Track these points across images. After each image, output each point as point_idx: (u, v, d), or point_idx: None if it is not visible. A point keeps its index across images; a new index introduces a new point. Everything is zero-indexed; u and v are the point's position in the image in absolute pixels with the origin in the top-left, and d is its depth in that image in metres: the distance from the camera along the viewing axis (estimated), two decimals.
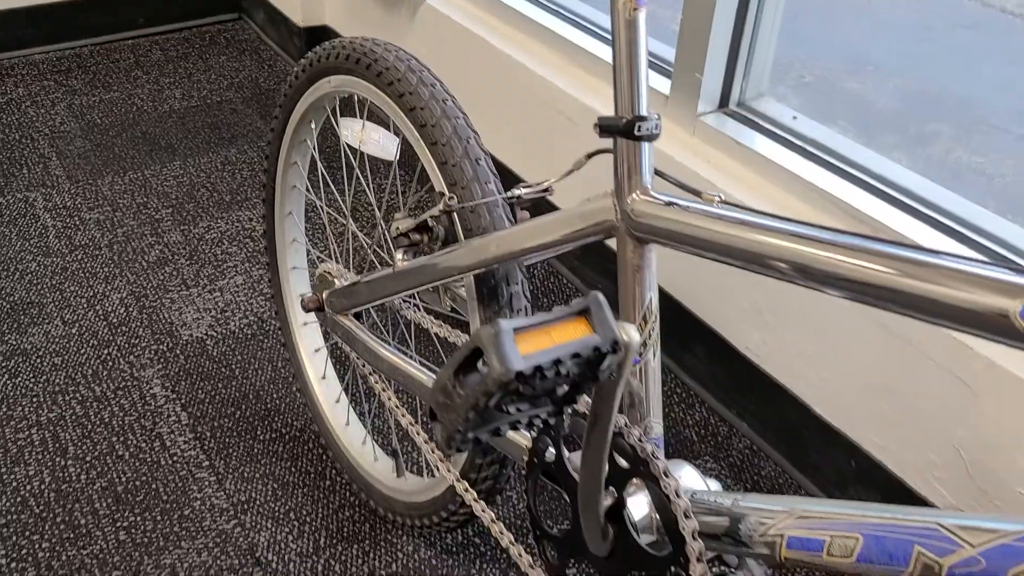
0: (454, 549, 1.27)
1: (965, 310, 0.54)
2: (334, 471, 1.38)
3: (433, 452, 1.05)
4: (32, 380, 1.52)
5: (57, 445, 1.40)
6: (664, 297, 1.53)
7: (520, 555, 0.93)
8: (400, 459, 1.27)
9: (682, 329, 1.52)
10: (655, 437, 0.82)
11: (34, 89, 2.40)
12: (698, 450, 1.44)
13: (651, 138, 0.76)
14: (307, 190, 1.35)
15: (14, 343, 1.59)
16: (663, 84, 1.50)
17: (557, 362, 0.58)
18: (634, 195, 0.77)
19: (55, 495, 1.32)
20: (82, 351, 1.58)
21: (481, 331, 0.57)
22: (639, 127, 0.75)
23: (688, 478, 0.81)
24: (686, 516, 0.72)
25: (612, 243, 0.79)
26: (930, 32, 3.90)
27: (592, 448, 0.73)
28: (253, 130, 2.24)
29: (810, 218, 1.27)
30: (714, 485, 0.83)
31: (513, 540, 0.95)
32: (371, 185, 1.19)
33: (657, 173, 0.78)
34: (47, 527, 1.28)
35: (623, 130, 0.75)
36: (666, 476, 0.73)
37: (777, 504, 0.69)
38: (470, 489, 1.00)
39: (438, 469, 1.05)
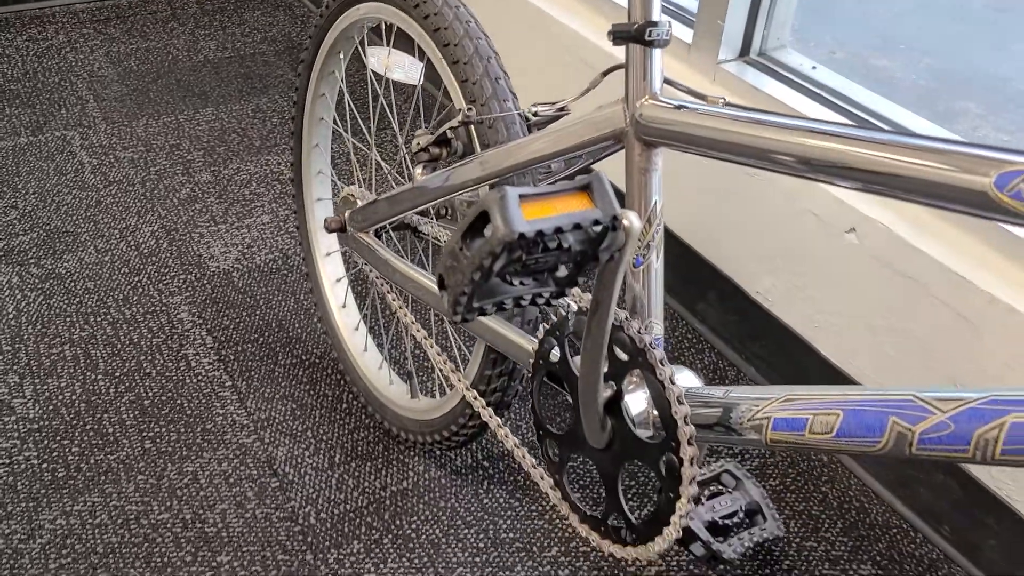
0: (463, 471, 1.32)
1: (948, 186, 0.57)
2: (351, 395, 1.43)
3: (445, 364, 1.09)
4: (66, 301, 1.58)
5: (88, 361, 1.46)
6: (678, 244, 1.56)
7: (524, 456, 0.97)
8: (414, 381, 1.32)
9: (695, 276, 1.55)
10: (656, 337, 0.85)
11: (74, 36, 2.46)
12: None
13: (662, 44, 0.79)
14: (334, 122, 1.39)
15: (50, 267, 1.65)
16: (686, 33, 1.52)
17: (559, 230, 0.62)
18: (643, 99, 0.80)
19: (85, 405, 1.38)
20: (114, 277, 1.64)
21: (488, 195, 0.61)
22: (650, 32, 0.78)
23: (686, 378, 0.85)
24: (679, 402, 0.75)
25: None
26: (965, 12, 3.87)
27: (592, 336, 0.76)
28: (284, 81, 2.28)
29: None
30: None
31: (518, 443, 0.99)
32: (395, 112, 1.23)
33: (666, 81, 0.82)
34: (77, 433, 1.34)
35: (635, 35, 0.78)
36: (662, 365, 0.76)
37: (765, 392, 0.73)
38: (479, 397, 1.04)
39: (450, 380, 1.09)
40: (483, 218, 0.61)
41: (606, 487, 0.86)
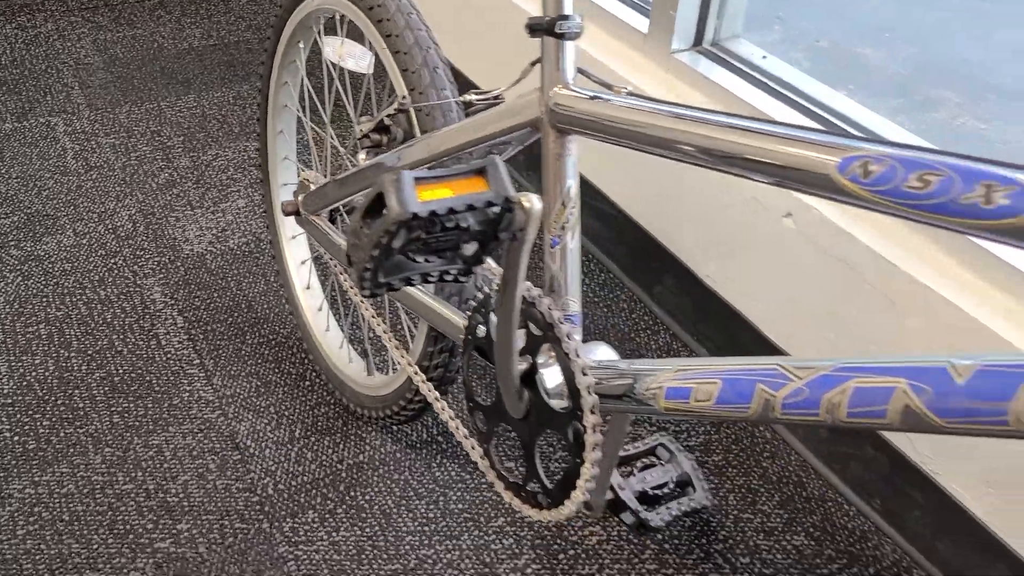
0: (418, 445, 1.37)
1: (801, 170, 0.62)
2: (313, 373, 1.48)
3: (391, 341, 1.15)
4: (43, 282, 1.63)
5: (62, 339, 1.52)
6: (636, 229, 1.61)
7: (458, 428, 1.02)
8: (370, 359, 1.37)
9: (652, 261, 1.60)
10: (572, 314, 0.90)
11: (62, 24, 2.51)
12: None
13: (573, 36, 0.84)
14: (298, 109, 1.44)
15: (29, 249, 1.71)
16: (643, 23, 1.57)
17: (452, 211, 0.67)
18: (556, 89, 0.85)
19: (57, 381, 1.44)
20: (90, 259, 1.69)
21: (384, 177, 0.66)
22: (561, 25, 0.83)
23: (602, 352, 0.90)
24: (583, 373, 0.80)
25: None
26: (952, 1, 3.89)
27: (503, 312, 0.81)
28: None
29: None
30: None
31: (453, 416, 1.04)
32: (350, 98, 1.28)
33: (579, 71, 0.86)
34: (48, 408, 1.40)
35: (547, 28, 0.83)
36: (568, 339, 0.81)
37: (662, 364, 0.78)
38: (419, 372, 1.09)
39: (396, 358, 1.14)
40: (380, 199, 0.66)
41: (525, 455, 0.91)
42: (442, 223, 0.67)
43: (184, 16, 2.58)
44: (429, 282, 0.74)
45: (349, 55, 1.21)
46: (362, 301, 1.20)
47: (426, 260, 0.72)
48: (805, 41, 3.45)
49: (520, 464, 0.99)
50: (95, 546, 1.21)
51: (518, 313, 0.82)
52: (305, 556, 1.22)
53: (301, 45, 1.34)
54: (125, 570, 1.19)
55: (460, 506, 1.29)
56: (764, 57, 1.49)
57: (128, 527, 1.24)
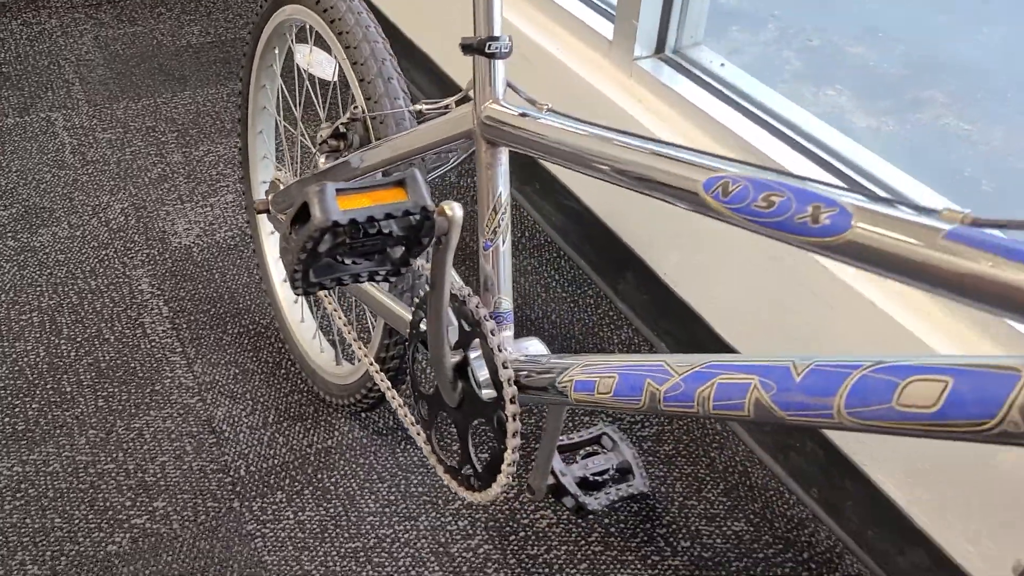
0: (384, 432, 1.45)
1: (676, 188, 0.69)
2: (288, 362, 1.56)
3: (350, 332, 1.22)
4: (37, 272, 1.72)
5: (53, 327, 1.60)
6: (601, 227, 1.68)
7: (406, 415, 1.10)
8: (338, 349, 1.45)
9: (616, 258, 1.66)
10: (504, 311, 0.98)
11: (65, 20, 2.60)
12: None
13: (502, 55, 0.91)
14: (278, 110, 1.52)
15: (24, 241, 1.79)
16: (609, 29, 1.63)
17: (372, 219, 0.74)
18: (487, 104, 0.92)
19: (47, 367, 1.53)
20: (83, 251, 1.78)
21: (309, 188, 0.73)
22: (490, 46, 0.90)
23: (533, 347, 0.97)
24: (504, 367, 0.87)
25: None
26: (950, 1, 3.91)
27: (432, 309, 0.89)
28: None
29: (706, 144, 1.41)
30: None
31: (402, 404, 1.11)
32: (319, 102, 1.35)
33: (509, 86, 0.93)
34: (38, 391, 1.48)
35: (478, 48, 0.90)
36: (492, 335, 0.89)
37: (576, 359, 0.85)
38: (374, 363, 1.17)
39: (355, 349, 1.22)
40: (306, 208, 0.74)
41: (460, 440, 0.99)
42: (364, 229, 0.75)
43: (184, 13, 2.66)
44: (360, 282, 0.82)
45: (316, 62, 1.28)
46: (326, 295, 1.27)
47: (354, 262, 0.79)
48: (798, 39, 3.50)
49: (457, 449, 1.06)
50: (76, 521, 1.30)
51: (447, 310, 0.89)
52: (272, 533, 1.30)
53: (276, 51, 1.41)
54: (103, 544, 1.27)
55: (420, 489, 1.37)
56: (722, 65, 1.55)
57: (108, 504, 1.32)
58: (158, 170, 2.02)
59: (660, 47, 1.58)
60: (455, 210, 0.80)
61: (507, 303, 0.97)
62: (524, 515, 1.34)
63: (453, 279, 0.91)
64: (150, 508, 1.32)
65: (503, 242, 0.95)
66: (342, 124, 1.09)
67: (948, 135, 2.92)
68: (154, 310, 1.65)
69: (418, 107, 1.08)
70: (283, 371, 1.55)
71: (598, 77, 1.61)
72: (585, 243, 1.77)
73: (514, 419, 0.88)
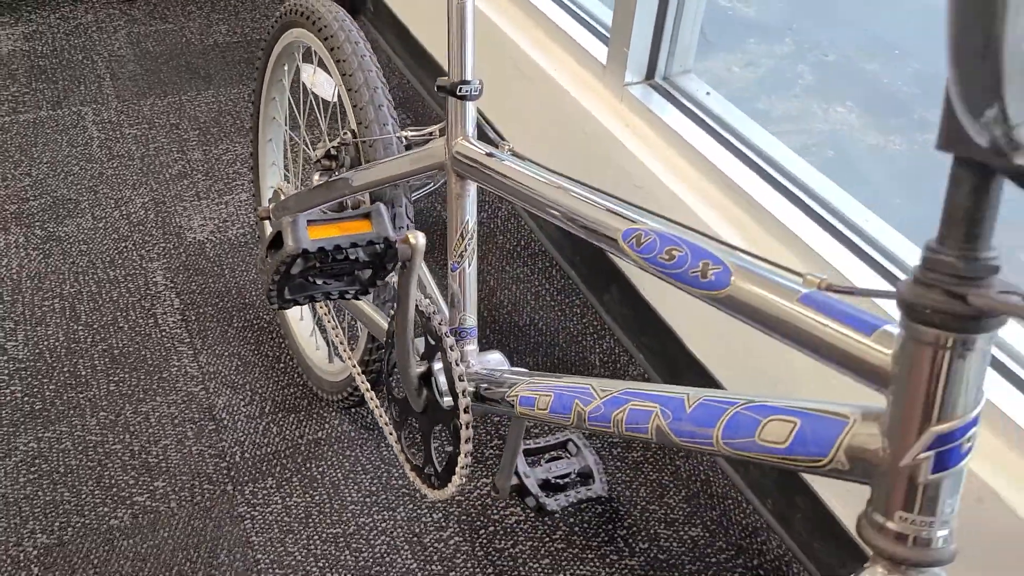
0: (372, 427, 1.55)
1: (604, 235, 0.78)
2: (287, 356, 1.67)
3: (337, 336, 1.33)
4: (61, 261, 1.84)
5: (72, 314, 1.72)
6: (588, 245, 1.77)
7: (381, 416, 1.20)
8: (331, 348, 1.55)
9: (601, 272, 1.75)
10: (469, 327, 1.07)
11: (101, 16, 2.72)
12: (598, 373, 1.68)
13: (473, 97, 1.00)
14: (285, 122, 1.62)
15: (51, 230, 1.92)
16: (604, 54, 1.71)
17: (339, 247, 0.84)
18: (457, 140, 1.01)
19: (65, 351, 1.65)
20: (104, 242, 1.90)
21: (283, 219, 0.83)
22: (461, 88, 0.99)
23: (494, 360, 1.07)
24: (460, 379, 0.97)
25: None
26: None
27: (399, 325, 0.98)
28: None
29: (694, 181, 1.49)
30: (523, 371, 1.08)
31: (378, 405, 1.21)
32: (323, 120, 1.45)
33: (480, 126, 1.03)
34: (55, 374, 1.60)
35: (450, 90, 0.99)
36: (452, 350, 0.98)
37: (524, 377, 0.95)
38: (356, 365, 1.27)
39: (340, 351, 1.32)
40: (280, 237, 0.84)
41: (423, 442, 1.09)
42: (333, 256, 0.84)
43: (213, 12, 2.78)
44: (331, 300, 0.92)
45: (319, 83, 1.38)
46: (322, 304, 1.37)
47: (325, 282, 0.89)
48: (813, 54, 3.54)
49: (422, 449, 1.15)
50: (84, 496, 1.41)
51: (412, 325, 0.99)
52: (260, 516, 1.41)
53: (286, 67, 1.52)
54: (107, 518, 1.39)
55: (400, 482, 1.47)
56: (708, 94, 1.63)
57: (113, 481, 1.44)
58: (179, 167, 2.13)
59: (650, 73, 1.66)
60: (418, 239, 0.89)
61: (471, 320, 1.07)
62: (495, 511, 1.44)
63: (420, 297, 1.01)
64: (151, 487, 1.43)
65: (469, 265, 1.05)
66: (333, 147, 1.19)
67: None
68: (166, 302, 1.77)
69: (404, 133, 1.17)
70: (282, 365, 1.66)
71: (590, 99, 1.69)
72: (576, 256, 1.86)
73: (467, 427, 0.97)
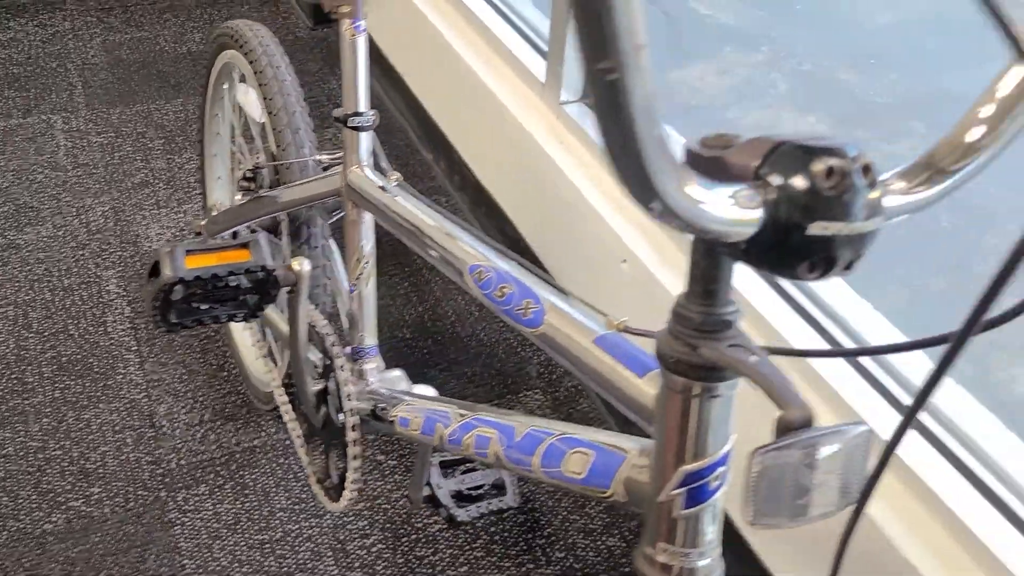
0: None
1: (454, 267, 0.82)
2: (231, 365, 1.72)
3: (260, 351, 1.37)
4: (18, 269, 1.89)
5: (25, 321, 1.78)
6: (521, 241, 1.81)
7: (293, 428, 1.24)
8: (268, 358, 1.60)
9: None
10: (368, 347, 1.11)
11: (78, 24, 2.78)
12: (535, 385, 1.73)
13: (364, 129, 1.04)
14: (230, 137, 1.67)
15: (11, 238, 1.97)
16: (543, 70, 1.75)
17: (216, 276, 0.88)
18: (352, 169, 1.05)
19: (15, 358, 1.70)
20: (62, 251, 1.95)
21: (161, 248, 0.87)
22: (354, 120, 1.03)
23: (393, 379, 1.11)
24: (348, 398, 1.01)
25: None
26: (949, 27, 3.93)
27: (292, 347, 1.03)
28: None
29: (619, 201, 1.53)
30: (425, 390, 1.12)
31: (292, 418, 1.26)
32: (258, 139, 1.49)
33: (375, 155, 1.07)
34: (3, 380, 1.65)
35: (344, 121, 1.04)
36: (341, 370, 1.02)
37: (404, 399, 0.99)
38: (277, 378, 1.32)
39: (260, 367, 1.37)
40: (158, 265, 0.88)
41: (324, 456, 1.13)
42: (213, 283, 0.89)
43: (188, 20, 2.83)
44: (219, 323, 0.96)
45: (250, 102, 1.43)
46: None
47: (211, 307, 0.93)
48: (789, 63, 3.55)
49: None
50: (21, 500, 1.47)
51: (305, 346, 1.03)
52: (190, 522, 1.46)
53: (225, 86, 1.56)
54: (41, 522, 1.44)
55: None
56: None
57: (50, 487, 1.49)
58: (141, 175, 2.18)
59: (586, 92, 1.70)
60: (303, 265, 0.93)
61: (370, 339, 1.11)
62: (419, 520, 1.48)
63: (318, 318, 1.05)
64: (87, 493, 1.48)
65: (366, 287, 1.09)
66: (248, 170, 1.24)
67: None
68: (117, 310, 1.82)
69: (320, 157, 1.22)
70: (224, 373, 1.70)
71: (529, 116, 1.73)
72: None
73: (354, 444, 1.02)
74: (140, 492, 1.49)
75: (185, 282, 0.86)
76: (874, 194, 0.44)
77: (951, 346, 0.41)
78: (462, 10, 1.99)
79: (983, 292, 0.39)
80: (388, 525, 1.47)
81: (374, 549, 1.44)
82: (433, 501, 1.32)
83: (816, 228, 0.43)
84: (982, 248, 2.47)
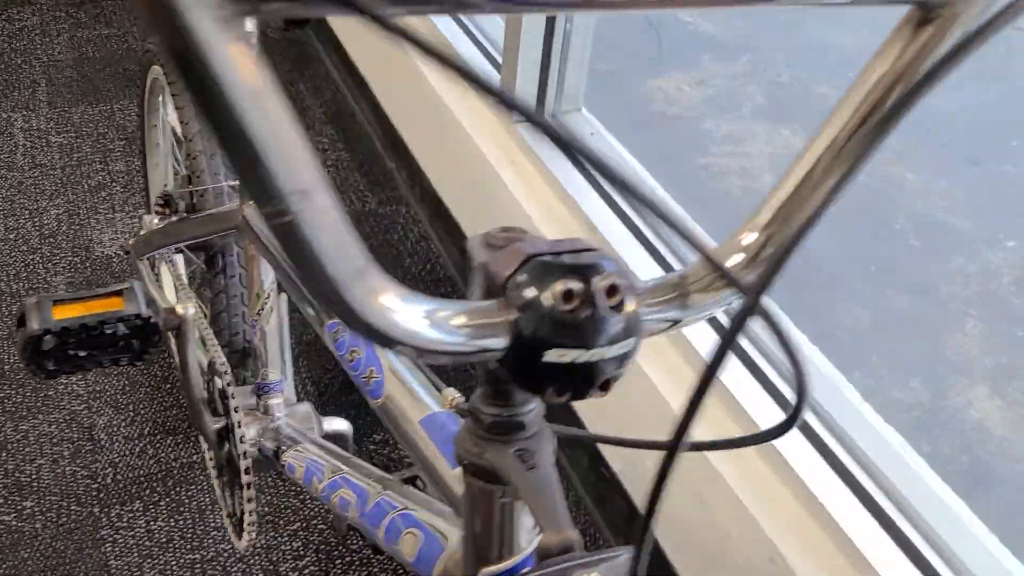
0: None
1: (317, 318, 0.80)
2: (175, 376, 1.71)
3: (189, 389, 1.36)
4: None
5: None
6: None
7: (209, 459, 1.23)
8: None
9: None
10: (272, 382, 1.10)
11: (46, 19, 2.75)
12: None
13: None
14: (170, 148, 1.65)
15: None
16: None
17: (85, 326, 0.87)
18: (247, 205, 1.03)
19: None
20: (13, 254, 1.94)
21: (27, 300, 0.86)
22: None
23: (299, 416, 1.10)
24: (241, 441, 1.00)
25: None
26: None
27: (184, 386, 1.02)
28: None
29: (566, 222, 1.50)
30: (336, 423, 1.11)
31: (207, 449, 1.25)
32: (179, 157, 1.48)
33: None
34: None
35: None
36: (235, 412, 1.01)
37: (298, 444, 0.97)
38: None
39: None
40: (24, 315, 0.87)
41: (231, 492, 1.12)
42: (87, 332, 0.87)
43: None
44: (104, 367, 0.95)
45: (175, 120, 1.41)
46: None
47: (91, 354, 0.92)
48: (767, 74, 3.45)
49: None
50: None
51: (199, 386, 1.02)
52: (121, 540, 1.45)
53: (160, 99, 1.54)
54: None
55: (266, 510, 1.51)
56: (592, 134, 1.63)
57: None
58: (99, 178, 2.17)
59: (538, 111, 1.67)
60: (187, 309, 0.92)
61: (274, 374, 1.10)
62: (353, 542, 1.47)
63: (217, 354, 1.04)
64: (19, 507, 1.48)
65: (268, 322, 1.08)
66: (163, 196, 1.22)
67: (889, 182, 2.88)
68: None
69: (233, 183, 1.20)
70: (168, 386, 1.70)
71: (481, 132, 1.70)
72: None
73: (248, 487, 1.01)
74: (74, 507, 1.49)
75: (53, 333, 0.85)
76: (622, 315, 0.41)
77: (666, 454, 0.39)
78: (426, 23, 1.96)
79: (685, 407, 0.37)
80: (323, 547, 1.46)
81: (307, 571, 1.43)
82: (355, 528, 1.31)
83: (552, 355, 0.41)
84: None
